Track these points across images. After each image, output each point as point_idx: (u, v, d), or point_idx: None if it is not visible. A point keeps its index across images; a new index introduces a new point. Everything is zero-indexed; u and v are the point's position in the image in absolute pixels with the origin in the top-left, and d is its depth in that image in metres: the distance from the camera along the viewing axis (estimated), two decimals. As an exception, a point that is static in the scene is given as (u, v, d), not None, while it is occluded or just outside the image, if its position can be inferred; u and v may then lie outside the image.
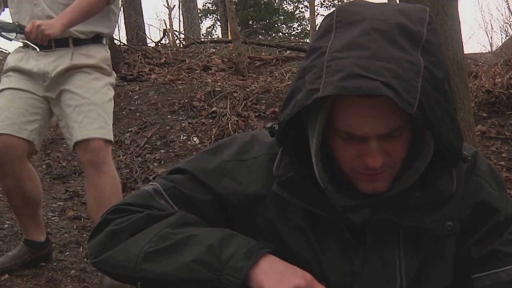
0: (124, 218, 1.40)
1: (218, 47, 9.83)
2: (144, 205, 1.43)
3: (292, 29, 20.90)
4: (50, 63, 3.02)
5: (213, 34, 20.64)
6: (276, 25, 20.19)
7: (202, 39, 11.66)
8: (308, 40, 15.19)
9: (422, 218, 1.33)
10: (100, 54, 3.10)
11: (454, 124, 1.22)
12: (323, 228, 1.36)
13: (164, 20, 15.96)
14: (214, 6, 20.48)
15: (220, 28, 17.88)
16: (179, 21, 14.89)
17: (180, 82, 7.04)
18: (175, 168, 1.50)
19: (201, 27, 18.35)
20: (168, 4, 13.30)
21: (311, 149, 1.28)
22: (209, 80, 6.97)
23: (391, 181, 1.30)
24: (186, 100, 6.40)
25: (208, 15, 21.16)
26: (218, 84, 6.82)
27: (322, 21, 1.29)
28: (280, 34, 19.19)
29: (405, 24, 1.19)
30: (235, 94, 6.52)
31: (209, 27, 21.68)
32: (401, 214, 1.32)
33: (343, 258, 1.36)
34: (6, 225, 4.01)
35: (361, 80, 1.11)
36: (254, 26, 18.47)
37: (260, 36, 15.95)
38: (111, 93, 3.13)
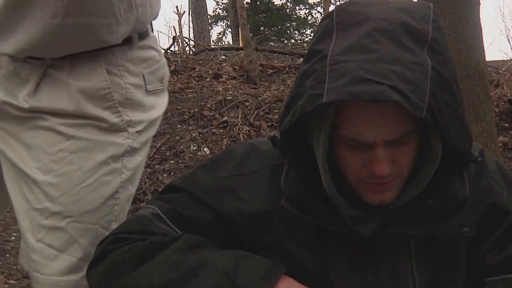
0: (126, 248, 1.31)
1: (229, 54, 9.73)
2: (145, 231, 1.33)
3: (305, 35, 20.80)
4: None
5: (224, 41, 20.61)
6: (288, 31, 20.11)
7: (213, 46, 11.56)
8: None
9: (437, 227, 1.27)
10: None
11: (463, 125, 1.18)
12: (332, 243, 1.30)
13: (173, 26, 15.89)
14: (224, 12, 20.45)
15: (230, 34, 17.82)
16: (189, 27, 14.83)
17: (190, 90, 6.96)
18: (170, 186, 1.42)
19: (211, 33, 18.30)
20: (178, 10, 13.24)
21: (317, 158, 1.22)
22: (220, 89, 6.89)
23: (398, 191, 1.24)
24: (196, 109, 6.32)
25: (219, 21, 21.11)
26: (229, 92, 6.73)
27: (320, 22, 1.23)
28: (293, 40, 19.12)
29: (409, 23, 1.14)
30: (246, 103, 6.44)
31: (220, 33, 21.67)
32: (413, 225, 1.26)
33: (354, 274, 1.31)
34: (13, 237, 3.98)
35: (367, 85, 1.06)
36: (266, 32, 18.40)
37: (272, 43, 15.86)
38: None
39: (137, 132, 1.53)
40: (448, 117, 1.12)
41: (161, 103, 1.64)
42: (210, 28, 17.34)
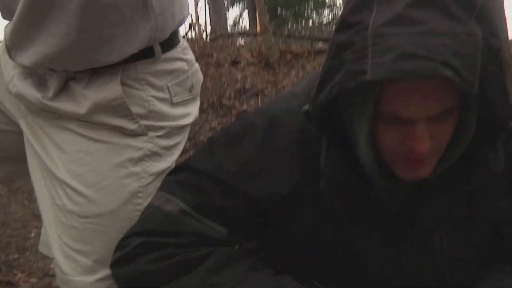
0: (155, 256, 1.29)
1: (246, 38, 9.63)
2: (173, 232, 1.31)
3: (322, 17, 20.58)
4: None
5: (240, 24, 20.52)
6: (305, 13, 19.89)
7: (230, 31, 11.47)
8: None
9: (472, 201, 1.26)
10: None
11: (505, 93, 1.11)
12: (362, 218, 1.28)
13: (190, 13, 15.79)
14: (241, -6, 20.31)
15: (248, 17, 17.71)
16: (205, 13, 14.71)
17: (208, 78, 6.87)
18: (188, 168, 1.36)
19: (227, 16, 18.18)
20: (194, -4, 13.14)
21: (357, 133, 1.15)
22: (239, 77, 6.80)
23: (434, 166, 1.17)
24: (215, 98, 6.23)
25: (235, 3, 20.98)
26: (248, 80, 6.65)
27: None
28: (311, 21, 18.98)
29: None
30: (266, 91, 6.35)
31: (236, 17, 21.57)
32: (447, 200, 1.25)
33: (385, 248, 1.30)
34: (33, 234, 3.95)
35: (417, 61, 0.98)
36: (283, 15, 18.26)
37: (289, 23, 15.75)
38: None
39: (158, 136, 1.49)
40: (495, 88, 1.06)
41: (189, 112, 1.59)
42: (226, 11, 17.23)
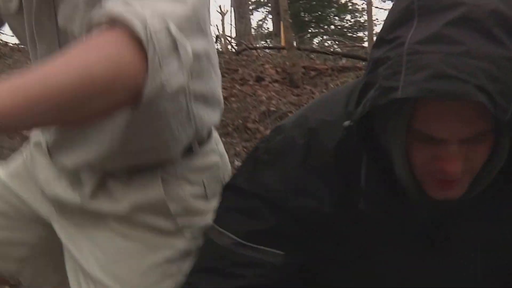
0: None
1: (271, 53, 9.59)
2: (232, 268, 1.33)
3: (344, 21, 20.46)
4: None
5: (264, 28, 20.46)
6: (328, 17, 19.79)
7: (254, 43, 11.43)
8: (362, 34, 14.83)
9: (508, 225, 1.24)
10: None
11: None
12: (395, 233, 1.28)
13: (216, 25, 15.77)
14: (265, -2, 20.22)
15: (271, 22, 17.65)
16: (230, 25, 14.69)
17: (233, 99, 6.86)
18: (235, 186, 1.39)
19: (251, 19, 18.14)
20: (221, 10, 13.14)
21: (392, 151, 1.13)
22: (264, 98, 6.78)
23: (466, 187, 1.15)
24: (240, 121, 6.22)
25: (260, 7, 20.89)
26: (273, 102, 6.61)
27: (396, 4, 1.11)
28: (332, 26, 18.87)
29: (502, 11, 1.01)
30: (290, 114, 6.32)
31: (260, 20, 21.50)
32: (482, 222, 1.23)
33: (412, 264, 1.30)
34: None
35: (450, 82, 0.96)
36: (306, 19, 18.19)
37: (311, 29, 15.67)
38: None
39: (193, 234, 1.48)
40: None
41: None
42: (250, 14, 17.17)
